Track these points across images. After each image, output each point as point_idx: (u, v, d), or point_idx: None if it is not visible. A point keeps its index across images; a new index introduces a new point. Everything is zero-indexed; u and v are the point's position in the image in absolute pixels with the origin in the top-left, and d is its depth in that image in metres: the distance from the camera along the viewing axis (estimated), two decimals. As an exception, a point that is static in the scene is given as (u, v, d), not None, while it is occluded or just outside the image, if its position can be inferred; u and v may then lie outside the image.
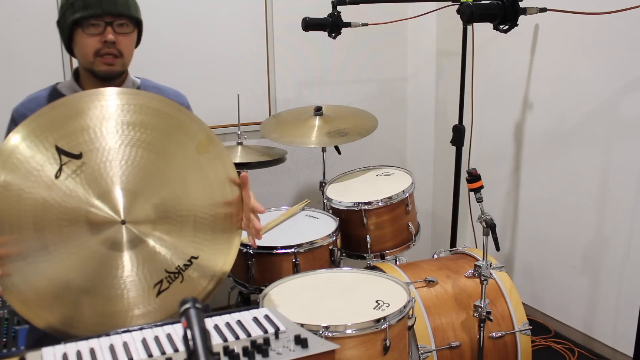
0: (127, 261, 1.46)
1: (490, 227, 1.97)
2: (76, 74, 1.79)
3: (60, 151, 1.42)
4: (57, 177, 1.40)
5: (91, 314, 1.44)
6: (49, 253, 1.40)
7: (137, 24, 1.74)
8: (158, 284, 1.50)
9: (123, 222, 1.45)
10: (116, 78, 1.74)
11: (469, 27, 2.87)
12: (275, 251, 2.22)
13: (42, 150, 1.41)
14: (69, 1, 1.66)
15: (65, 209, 1.40)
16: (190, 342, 0.98)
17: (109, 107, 1.49)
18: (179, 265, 1.52)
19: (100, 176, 1.44)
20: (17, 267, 1.38)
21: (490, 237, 1.98)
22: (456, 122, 2.82)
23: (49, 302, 1.41)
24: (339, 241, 2.38)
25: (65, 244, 1.41)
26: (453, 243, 2.94)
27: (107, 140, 1.47)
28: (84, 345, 1.27)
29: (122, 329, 1.34)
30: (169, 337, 1.31)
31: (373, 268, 2.34)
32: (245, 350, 1.22)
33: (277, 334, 1.30)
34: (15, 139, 1.40)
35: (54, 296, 1.41)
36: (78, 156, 1.43)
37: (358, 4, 2.64)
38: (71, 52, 1.75)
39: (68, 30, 1.67)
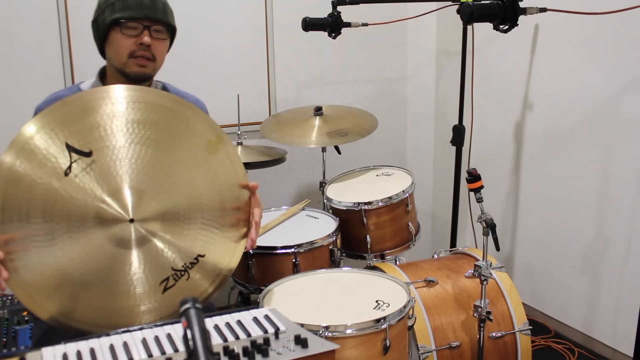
0: (134, 259, 1.47)
1: (490, 227, 1.97)
2: (102, 74, 1.80)
3: (70, 148, 1.43)
4: (66, 174, 1.41)
5: (96, 309, 1.45)
6: (54, 242, 1.40)
7: (172, 32, 1.80)
8: (164, 282, 1.50)
9: (132, 221, 1.46)
10: (146, 81, 1.77)
11: (469, 27, 2.87)
12: (275, 251, 2.22)
13: (56, 143, 1.42)
14: (109, 1, 1.68)
15: (75, 203, 1.41)
16: (190, 342, 0.98)
17: (118, 104, 1.49)
18: (185, 264, 1.52)
19: (110, 174, 1.45)
20: (21, 254, 1.38)
21: (490, 237, 1.98)
22: (456, 122, 2.82)
23: (52, 293, 1.42)
24: (339, 241, 2.38)
25: (72, 236, 1.42)
26: (453, 243, 2.94)
27: (117, 138, 1.47)
28: (84, 345, 1.27)
29: (122, 329, 1.35)
30: (169, 337, 1.31)
31: (373, 268, 2.34)
32: (245, 350, 1.22)
33: (277, 334, 1.30)
34: (31, 129, 1.42)
35: (56, 287, 1.42)
36: (88, 154, 1.44)
37: (358, 4, 2.64)
38: (102, 52, 1.77)
39: (105, 30, 1.70)
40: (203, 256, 1.54)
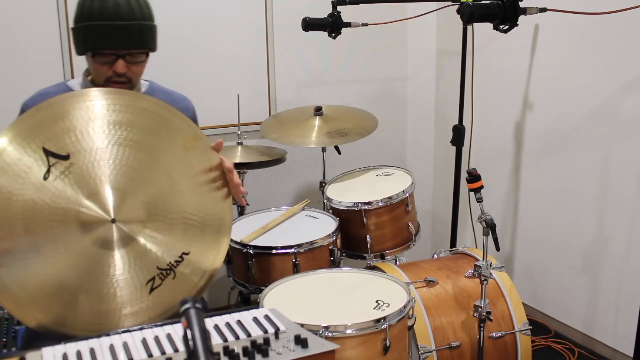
0: (119, 259, 1.47)
1: (490, 227, 1.97)
2: (89, 71, 1.76)
3: (48, 153, 1.42)
4: (45, 178, 1.41)
5: (84, 313, 1.45)
6: (40, 253, 1.40)
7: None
8: (150, 281, 1.50)
9: (113, 221, 1.46)
10: None
11: (469, 27, 2.87)
12: (275, 251, 2.22)
13: (29, 152, 1.41)
14: (83, 21, 1.61)
15: (55, 209, 1.41)
16: (190, 342, 0.98)
17: (94, 107, 1.50)
18: (170, 262, 1.52)
19: (89, 176, 1.45)
20: (7, 266, 1.38)
21: (490, 237, 1.98)
22: (456, 122, 2.82)
23: (41, 302, 1.41)
24: (339, 241, 2.38)
25: (56, 244, 1.41)
26: (453, 243, 2.94)
27: (95, 140, 1.47)
28: (84, 345, 1.27)
29: (122, 329, 1.35)
30: (169, 337, 1.31)
31: (373, 268, 2.34)
32: (245, 350, 1.22)
33: (277, 334, 1.30)
34: (2, 142, 1.40)
35: (46, 296, 1.42)
36: (66, 157, 1.44)
37: (358, 4, 2.64)
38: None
39: (80, 51, 1.66)
40: (188, 254, 1.55)
